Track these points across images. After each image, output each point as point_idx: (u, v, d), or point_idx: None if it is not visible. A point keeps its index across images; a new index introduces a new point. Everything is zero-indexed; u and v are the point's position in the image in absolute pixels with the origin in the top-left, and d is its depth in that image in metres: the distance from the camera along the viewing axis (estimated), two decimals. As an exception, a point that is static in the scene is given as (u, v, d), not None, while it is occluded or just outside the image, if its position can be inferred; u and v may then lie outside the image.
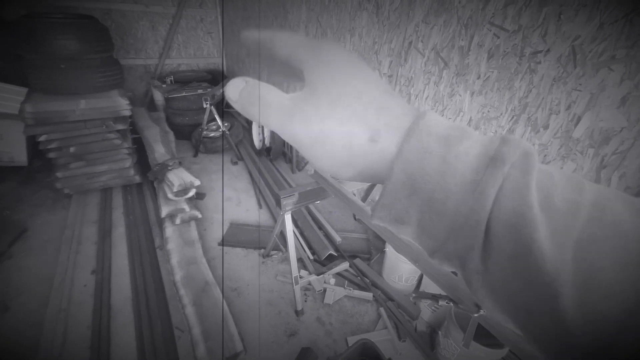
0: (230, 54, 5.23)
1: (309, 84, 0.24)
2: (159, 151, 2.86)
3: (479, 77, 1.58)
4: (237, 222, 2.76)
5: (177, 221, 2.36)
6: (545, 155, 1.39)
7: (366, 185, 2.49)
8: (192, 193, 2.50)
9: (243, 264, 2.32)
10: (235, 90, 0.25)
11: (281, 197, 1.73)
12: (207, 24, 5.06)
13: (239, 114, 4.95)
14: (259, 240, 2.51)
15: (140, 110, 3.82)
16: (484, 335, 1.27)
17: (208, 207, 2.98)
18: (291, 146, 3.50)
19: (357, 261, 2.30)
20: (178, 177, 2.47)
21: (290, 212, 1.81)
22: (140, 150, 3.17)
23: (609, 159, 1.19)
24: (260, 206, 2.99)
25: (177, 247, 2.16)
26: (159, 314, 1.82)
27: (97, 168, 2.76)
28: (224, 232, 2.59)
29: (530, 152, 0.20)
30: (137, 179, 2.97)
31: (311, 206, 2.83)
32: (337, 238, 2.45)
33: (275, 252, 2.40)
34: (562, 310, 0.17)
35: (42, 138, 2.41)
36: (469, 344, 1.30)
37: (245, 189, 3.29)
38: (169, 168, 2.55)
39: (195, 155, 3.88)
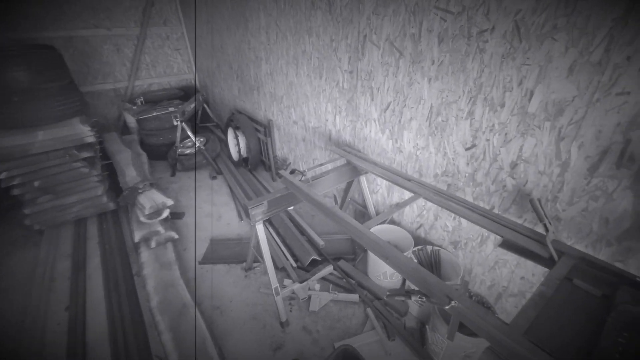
0: (200, 69, 5.17)
1: None
2: (130, 175, 2.78)
3: (433, 63, 1.56)
4: (218, 237, 2.69)
5: (153, 244, 2.28)
6: (506, 134, 1.37)
7: (343, 184, 2.45)
8: (166, 214, 2.42)
9: (225, 280, 2.25)
10: None
11: (249, 207, 1.67)
12: (173, 41, 5.00)
13: (216, 127, 4.89)
14: (241, 254, 2.44)
15: (111, 135, 3.73)
16: (463, 326, 1.23)
17: (188, 226, 2.90)
18: (269, 154, 3.45)
19: (342, 263, 2.25)
20: (149, 199, 2.39)
21: (261, 221, 1.75)
22: (112, 176, 3.09)
23: (566, 130, 1.17)
24: (241, 218, 2.92)
25: (152, 272, 2.08)
26: (137, 345, 1.74)
27: (67, 199, 2.67)
28: (205, 250, 2.51)
29: None
30: (112, 205, 2.88)
31: (292, 212, 2.77)
32: (320, 242, 2.40)
33: (258, 264, 2.33)
34: None
35: (2, 175, 2.32)
36: (454, 336, 1.25)
37: (226, 203, 3.22)
38: (140, 191, 2.47)
39: (173, 174, 3.79)
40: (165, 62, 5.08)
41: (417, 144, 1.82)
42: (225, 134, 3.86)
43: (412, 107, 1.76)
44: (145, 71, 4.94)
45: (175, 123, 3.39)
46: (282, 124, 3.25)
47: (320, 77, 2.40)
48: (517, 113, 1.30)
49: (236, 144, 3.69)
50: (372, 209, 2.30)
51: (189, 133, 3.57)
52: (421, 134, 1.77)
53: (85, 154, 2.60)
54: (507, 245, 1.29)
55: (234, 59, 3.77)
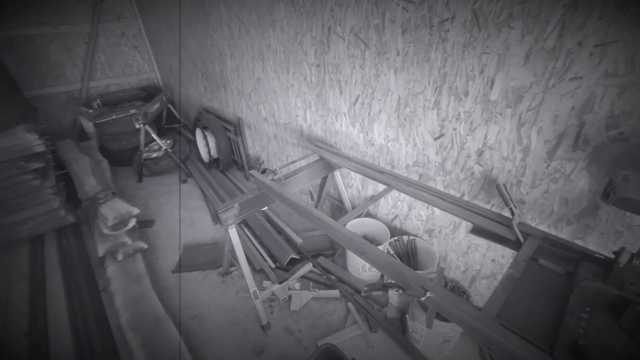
0: (162, 67, 4.90)
1: None
2: (89, 184, 2.58)
3: (398, 54, 1.55)
4: (192, 243, 2.58)
5: (120, 257, 2.14)
6: (471, 122, 1.39)
7: (318, 180, 2.43)
8: (132, 224, 2.28)
9: (202, 287, 2.16)
10: None
11: (219, 211, 1.60)
12: (130, 37, 4.69)
13: (183, 128, 4.67)
14: (217, 259, 2.35)
15: (66, 142, 3.44)
16: (440, 314, 1.25)
17: (159, 234, 2.76)
18: (241, 153, 3.34)
19: (321, 259, 2.23)
20: (112, 209, 2.24)
21: (233, 225, 1.69)
22: (70, 187, 2.86)
23: (525, 116, 1.20)
24: (215, 222, 2.82)
25: (121, 287, 1.95)
26: (108, 366, 1.63)
27: (18, 216, 2.44)
28: (178, 258, 2.40)
29: None
30: (71, 218, 2.67)
31: (268, 211, 2.71)
32: (298, 240, 2.36)
33: (235, 268, 2.26)
34: None
35: (-64, 195, 2.07)
36: (432, 324, 1.27)
37: (199, 207, 3.09)
38: (101, 201, 2.30)
39: (140, 180, 3.59)
40: (123, 60, 4.76)
41: (387, 135, 1.82)
42: (194, 135, 3.70)
43: (380, 99, 1.76)
44: (101, 71, 4.61)
45: (137, 126, 3.19)
46: (252, 121, 3.15)
47: (288, 71, 2.34)
48: (480, 101, 1.32)
49: (206, 145, 3.54)
50: (348, 203, 2.29)
51: (154, 136, 3.38)
52: (391, 125, 1.77)
53: (35, 165, 2.38)
54: (477, 231, 1.33)
55: (198, 56, 3.60)
